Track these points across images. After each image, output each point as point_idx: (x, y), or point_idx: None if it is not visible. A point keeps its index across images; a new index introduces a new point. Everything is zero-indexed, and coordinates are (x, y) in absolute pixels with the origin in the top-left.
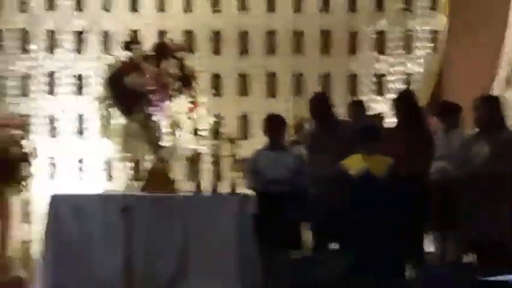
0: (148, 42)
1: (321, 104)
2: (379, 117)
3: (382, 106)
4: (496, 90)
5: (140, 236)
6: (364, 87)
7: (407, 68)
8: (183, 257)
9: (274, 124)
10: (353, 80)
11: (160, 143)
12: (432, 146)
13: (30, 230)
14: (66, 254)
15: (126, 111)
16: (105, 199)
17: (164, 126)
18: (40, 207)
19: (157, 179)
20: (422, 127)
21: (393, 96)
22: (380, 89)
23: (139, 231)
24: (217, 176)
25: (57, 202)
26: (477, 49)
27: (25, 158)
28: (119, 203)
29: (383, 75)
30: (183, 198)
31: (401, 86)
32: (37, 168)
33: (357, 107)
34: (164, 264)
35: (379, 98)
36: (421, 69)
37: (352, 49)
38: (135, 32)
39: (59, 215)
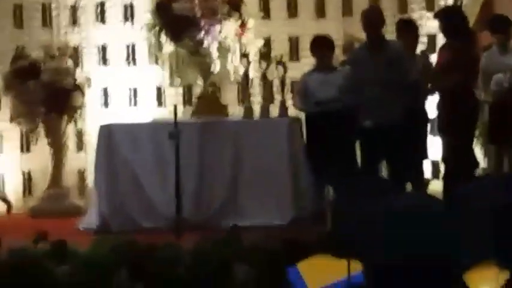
0: None
1: (375, 19)
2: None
3: (432, 23)
4: None
5: (191, 161)
6: (414, 4)
7: None
8: (234, 181)
9: (321, 45)
10: None
11: (210, 68)
12: (478, 60)
13: (86, 159)
14: (117, 181)
15: (176, 37)
16: (155, 126)
17: (214, 51)
18: (94, 136)
19: (208, 104)
20: (465, 41)
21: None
22: (430, 5)
23: (190, 157)
24: (268, 99)
25: (108, 131)
26: None
27: (78, 88)
28: (169, 129)
29: None
30: (233, 123)
31: (451, 2)
32: (90, 97)
33: (407, 26)
34: (215, 188)
35: (429, 14)
36: None
37: None
38: None
39: (109, 144)
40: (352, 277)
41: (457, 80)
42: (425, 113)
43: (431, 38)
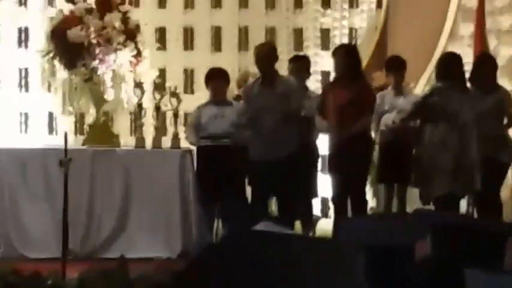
0: None
1: (267, 54)
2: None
3: (327, 61)
4: (441, 44)
5: (80, 190)
6: (309, 41)
7: (352, 22)
8: (123, 212)
9: (215, 77)
10: (298, 34)
11: (103, 96)
12: (373, 100)
13: None
14: (4, 207)
15: (70, 64)
16: (45, 153)
17: (107, 80)
18: None
19: (99, 132)
20: (363, 81)
21: (334, 50)
22: (325, 44)
23: (80, 185)
24: (160, 131)
25: None
26: (423, 3)
27: None
28: (60, 156)
29: (328, 29)
30: (125, 152)
31: (346, 41)
32: None
33: (300, 62)
34: (104, 218)
35: (324, 52)
36: (365, 24)
37: (298, 3)
38: None
39: None
40: None
41: (366, 121)
42: (316, 149)
43: (326, 75)
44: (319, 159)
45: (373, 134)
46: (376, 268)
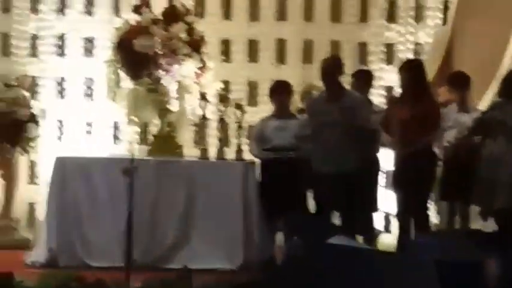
0: (158, 6)
1: (333, 68)
2: None
3: (391, 76)
4: (506, 62)
5: (143, 199)
6: (374, 56)
7: (418, 37)
8: (186, 223)
9: (279, 90)
10: (363, 48)
11: (168, 107)
12: (439, 116)
13: (37, 192)
14: (69, 216)
15: (135, 74)
16: (110, 162)
17: (172, 91)
18: (47, 168)
19: (163, 143)
20: (429, 97)
21: (400, 65)
22: (389, 59)
23: (143, 195)
24: (224, 142)
25: (62, 164)
26: (488, 20)
27: (33, 119)
28: (124, 166)
29: (393, 44)
30: (188, 163)
31: (411, 56)
32: (45, 129)
33: (362, 76)
34: (167, 229)
35: (388, 67)
36: (431, 40)
37: (363, 17)
38: None
39: (63, 177)
40: None
41: (433, 137)
42: (378, 164)
43: (390, 90)
44: (383, 174)
45: (436, 151)
46: (446, 284)
